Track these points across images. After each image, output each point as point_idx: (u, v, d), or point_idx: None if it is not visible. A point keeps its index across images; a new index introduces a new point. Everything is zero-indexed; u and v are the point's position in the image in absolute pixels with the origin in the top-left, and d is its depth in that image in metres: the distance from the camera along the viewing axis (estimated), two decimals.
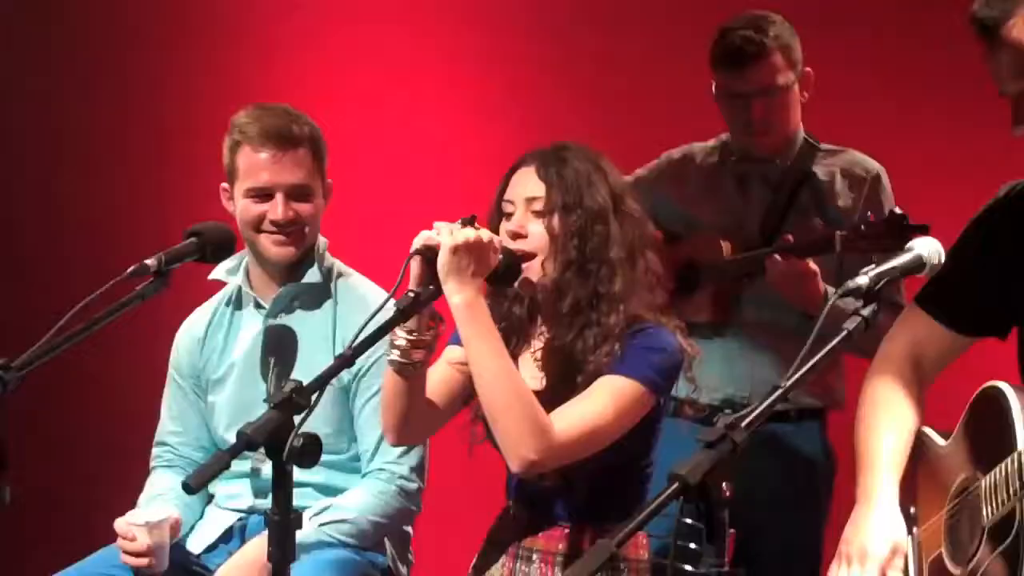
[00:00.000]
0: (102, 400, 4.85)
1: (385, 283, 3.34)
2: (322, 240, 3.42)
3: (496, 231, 2.90)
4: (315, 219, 3.34)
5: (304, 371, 3.26)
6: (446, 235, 2.71)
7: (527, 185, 2.90)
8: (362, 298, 3.37)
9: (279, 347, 3.33)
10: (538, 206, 2.88)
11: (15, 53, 5.00)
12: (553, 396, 2.84)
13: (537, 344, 2.96)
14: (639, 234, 2.92)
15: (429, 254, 2.71)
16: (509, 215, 2.92)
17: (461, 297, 2.71)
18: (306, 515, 3.23)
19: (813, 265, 3.47)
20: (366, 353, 2.63)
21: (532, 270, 2.88)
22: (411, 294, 2.67)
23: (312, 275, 3.36)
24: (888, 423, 2.77)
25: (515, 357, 2.93)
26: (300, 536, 3.11)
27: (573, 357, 2.86)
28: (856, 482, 2.75)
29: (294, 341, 3.32)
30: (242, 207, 3.32)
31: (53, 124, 5.01)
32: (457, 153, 4.80)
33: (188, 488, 2.35)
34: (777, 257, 3.47)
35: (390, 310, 2.64)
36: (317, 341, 3.33)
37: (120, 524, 3.17)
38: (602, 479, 2.84)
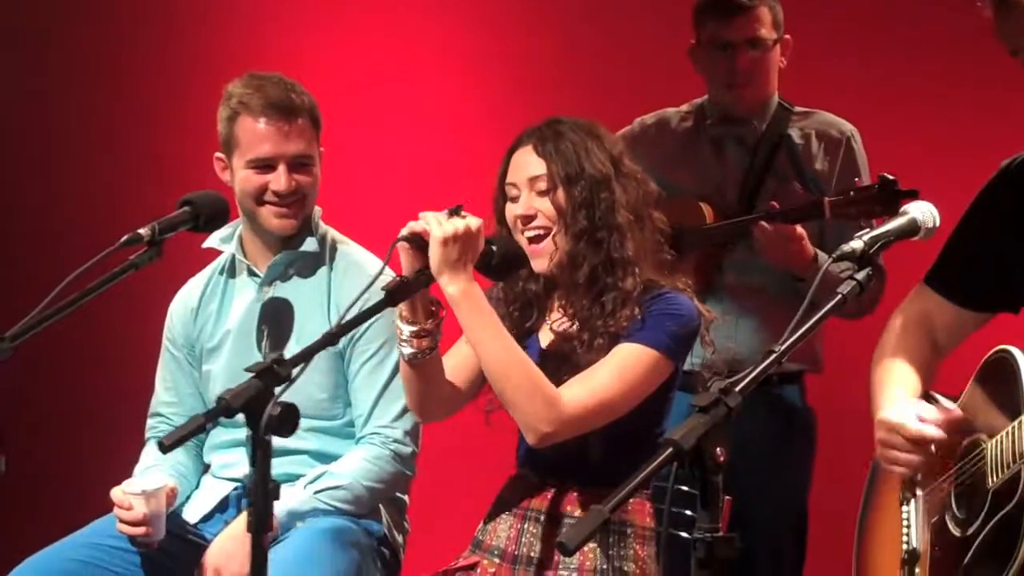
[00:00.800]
0: (97, 371, 4.84)
1: (379, 253, 3.35)
2: (316, 208, 3.41)
3: (502, 216, 2.93)
4: (314, 189, 3.33)
5: (298, 339, 3.27)
6: (435, 227, 2.71)
7: (528, 165, 2.91)
8: (356, 264, 3.37)
9: (274, 315, 3.32)
10: (542, 184, 2.90)
11: (3, 24, 4.96)
12: (575, 366, 2.86)
13: (556, 315, 2.97)
14: (643, 194, 2.93)
15: (416, 241, 2.72)
16: (515, 198, 2.93)
17: (456, 287, 2.73)
18: (301, 483, 3.24)
19: (800, 229, 3.48)
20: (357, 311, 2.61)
21: (545, 250, 2.89)
22: (400, 279, 2.68)
23: (309, 243, 3.35)
24: (900, 365, 2.79)
25: (535, 331, 2.96)
26: (295, 504, 3.15)
27: (593, 324, 2.87)
28: (873, 412, 2.75)
29: (289, 309, 3.31)
30: (243, 178, 3.30)
31: (43, 96, 4.99)
32: (452, 123, 4.80)
33: (163, 447, 2.36)
34: (764, 224, 3.48)
35: (380, 293, 2.65)
36: (311, 308, 3.32)
37: (116, 493, 3.16)
38: (613, 445, 2.85)
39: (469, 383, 2.96)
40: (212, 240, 3.39)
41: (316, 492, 3.21)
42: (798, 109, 3.75)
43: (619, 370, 2.80)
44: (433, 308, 2.80)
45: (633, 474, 2.12)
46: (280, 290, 3.36)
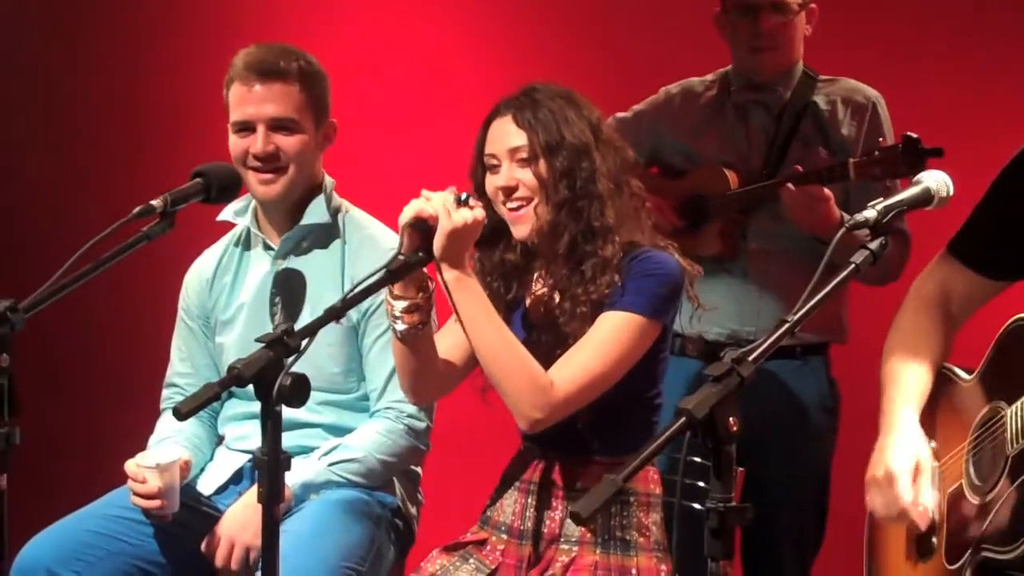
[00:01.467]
0: (112, 342, 4.87)
1: (391, 224, 3.34)
2: (329, 180, 3.40)
3: (480, 187, 2.93)
4: (302, 155, 3.29)
5: (313, 311, 3.25)
6: (445, 217, 2.70)
7: (508, 136, 2.89)
8: (371, 237, 3.37)
9: (288, 288, 3.31)
10: (523, 154, 2.88)
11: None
12: (558, 337, 2.86)
13: (538, 287, 2.97)
14: (621, 161, 2.92)
15: (420, 225, 2.71)
16: (494, 168, 2.91)
17: (454, 273, 2.75)
18: (315, 455, 3.24)
19: (827, 191, 3.45)
20: (377, 292, 2.62)
21: (527, 217, 2.88)
22: (401, 257, 2.68)
23: (320, 215, 3.34)
24: (912, 358, 2.81)
25: (517, 303, 2.95)
26: (309, 476, 3.16)
27: (574, 292, 2.86)
28: (879, 413, 2.80)
29: (303, 282, 3.29)
30: (230, 142, 3.31)
31: (56, 68, 5.01)
32: (459, 93, 4.78)
33: (178, 414, 2.36)
34: (790, 186, 3.46)
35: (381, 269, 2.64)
36: (326, 280, 3.32)
37: (130, 466, 3.18)
38: (609, 413, 2.85)
39: (462, 362, 2.95)
40: (226, 213, 3.40)
41: (330, 464, 3.22)
42: (823, 77, 3.73)
43: (605, 342, 2.79)
44: (424, 282, 2.79)
45: (646, 443, 2.12)
46: (294, 263, 3.36)
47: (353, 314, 3.27)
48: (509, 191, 2.89)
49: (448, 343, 2.93)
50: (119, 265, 2.63)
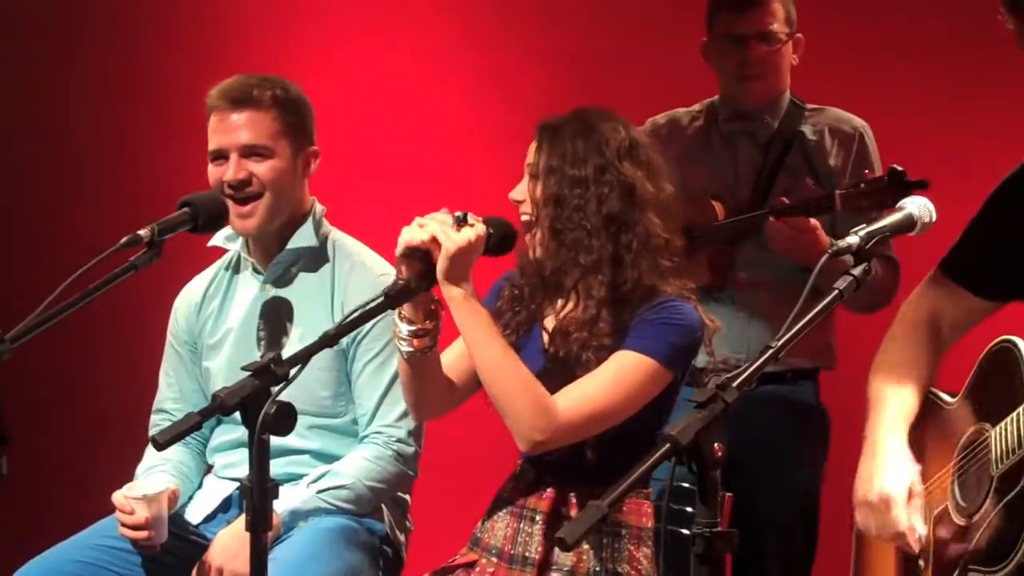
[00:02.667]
0: (100, 371, 4.88)
1: (383, 253, 3.37)
2: (319, 207, 3.43)
3: None
4: (277, 183, 3.30)
5: (301, 337, 3.29)
6: (446, 240, 2.72)
7: (531, 151, 2.97)
8: (360, 263, 3.39)
9: (274, 314, 3.34)
10: (532, 170, 2.95)
11: (7, 24, 5.00)
12: (559, 369, 2.89)
13: (550, 311, 3.00)
14: (630, 197, 2.91)
15: (416, 253, 2.73)
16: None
17: (458, 291, 2.77)
18: (303, 482, 3.25)
19: (814, 220, 3.48)
20: (358, 314, 2.63)
21: (531, 237, 2.95)
22: (400, 282, 2.70)
23: (308, 239, 3.36)
24: (900, 381, 2.83)
25: (533, 326, 2.99)
26: (297, 503, 3.17)
27: (567, 327, 2.90)
28: (864, 434, 2.82)
29: (289, 308, 3.33)
30: (208, 172, 3.33)
31: (46, 96, 5.03)
32: (451, 126, 4.83)
33: (156, 444, 2.39)
34: (774, 220, 3.49)
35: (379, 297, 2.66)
36: (315, 307, 3.34)
37: (118, 498, 3.19)
38: (613, 446, 2.85)
39: (466, 379, 2.98)
40: (217, 239, 3.42)
41: (319, 492, 3.23)
42: (810, 106, 3.77)
43: (615, 378, 2.82)
44: (433, 307, 2.82)
45: (631, 470, 2.13)
46: (283, 288, 3.38)
47: (346, 340, 3.27)
48: (518, 202, 2.97)
49: (449, 360, 2.96)
50: (107, 293, 2.64)
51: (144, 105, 4.94)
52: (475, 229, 2.76)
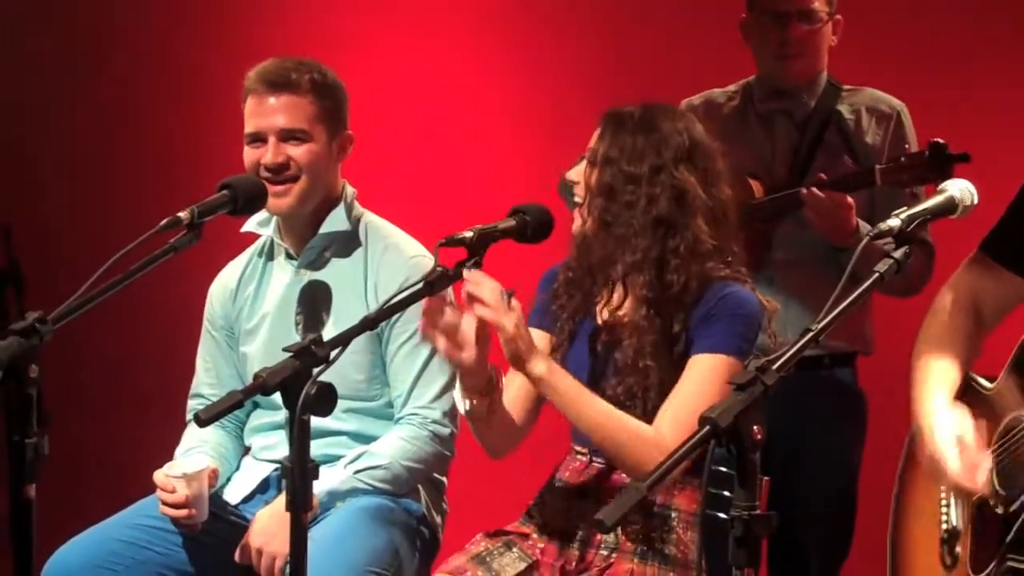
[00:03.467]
0: (140, 353, 4.92)
1: (418, 235, 3.39)
2: (350, 189, 3.44)
3: None
4: (314, 165, 3.32)
5: (337, 320, 3.30)
6: (507, 324, 2.74)
7: (593, 137, 3.01)
8: (395, 246, 3.40)
9: (312, 298, 3.36)
10: (591, 156, 3.00)
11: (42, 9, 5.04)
12: (613, 368, 2.94)
13: (601, 301, 3.05)
14: (680, 200, 2.93)
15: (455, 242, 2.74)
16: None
17: (538, 368, 2.81)
18: (340, 463, 3.28)
19: (849, 198, 3.48)
20: (397, 298, 2.65)
21: (579, 216, 3.00)
22: (440, 269, 2.71)
23: (340, 223, 3.38)
24: (942, 355, 2.81)
25: (584, 312, 3.03)
26: (335, 483, 3.19)
27: (618, 329, 2.96)
28: (911, 410, 2.79)
29: (327, 291, 3.35)
30: (244, 154, 3.36)
31: (87, 86, 5.06)
32: (482, 119, 4.86)
33: (199, 420, 2.41)
34: (815, 190, 3.48)
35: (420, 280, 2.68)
36: (349, 290, 3.35)
37: (159, 476, 3.23)
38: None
39: (530, 411, 3.05)
40: (250, 224, 3.44)
41: (356, 472, 3.26)
42: (847, 87, 3.76)
43: (700, 386, 2.85)
44: (492, 386, 2.86)
45: (672, 452, 2.14)
46: (317, 272, 3.40)
47: (383, 324, 3.27)
48: (573, 183, 3.03)
49: (515, 397, 3.01)
50: (148, 275, 2.66)
51: (185, 87, 4.97)
52: (516, 310, 2.77)
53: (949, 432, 2.69)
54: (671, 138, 2.95)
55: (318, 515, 3.19)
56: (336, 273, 3.39)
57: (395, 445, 3.30)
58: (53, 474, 2.58)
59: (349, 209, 3.41)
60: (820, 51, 3.72)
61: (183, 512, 3.20)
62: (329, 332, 3.23)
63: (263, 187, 3.04)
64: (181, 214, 2.72)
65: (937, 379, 2.78)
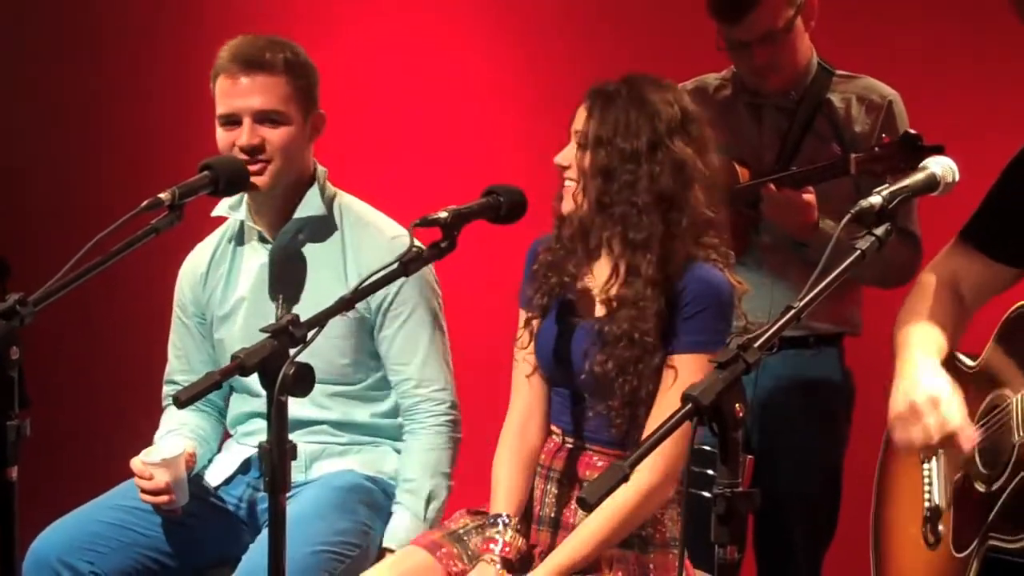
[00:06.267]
0: (118, 335, 4.93)
1: (401, 216, 3.40)
2: (321, 169, 3.44)
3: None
4: (288, 147, 3.30)
5: (316, 304, 3.28)
6: None
7: (579, 117, 2.98)
8: (373, 227, 3.41)
9: (288, 278, 3.36)
10: (579, 138, 2.96)
11: None
12: (603, 341, 2.93)
13: (585, 277, 3.04)
14: (680, 174, 2.91)
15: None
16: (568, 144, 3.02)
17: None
18: (402, 511, 3.31)
19: (808, 196, 3.51)
20: (372, 279, 2.66)
21: (569, 195, 2.97)
22: (416, 250, 2.71)
23: (315, 207, 3.36)
24: (926, 322, 2.82)
25: (563, 288, 3.04)
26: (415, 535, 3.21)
27: (614, 304, 2.94)
28: (895, 367, 2.79)
29: (302, 271, 3.34)
30: (218, 135, 3.32)
31: (63, 65, 5.07)
32: (463, 86, 4.86)
33: (177, 402, 2.43)
34: (772, 187, 3.52)
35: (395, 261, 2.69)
36: (327, 272, 3.35)
37: (136, 464, 3.26)
38: (642, 414, 2.92)
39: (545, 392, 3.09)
40: (220, 208, 3.44)
41: (424, 517, 3.29)
42: (840, 73, 3.76)
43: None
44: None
45: (653, 431, 2.17)
46: (293, 255, 3.39)
47: (361, 308, 3.31)
48: (563, 168, 2.99)
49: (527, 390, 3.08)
50: (130, 258, 2.68)
51: (166, 70, 4.97)
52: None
53: (943, 382, 2.69)
54: (663, 110, 2.92)
55: (291, 491, 3.17)
56: (313, 256, 3.38)
57: (426, 463, 3.34)
58: (33, 458, 2.60)
59: (323, 191, 3.40)
60: (794, 57, 3.69)
61: (163, 498, 3.23)
62: (306, 313, 3.24)
63: (244, 168, 3.05)
64: (162, 195, 2.74)
65: (923, 341, 2.78)
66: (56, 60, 5.10)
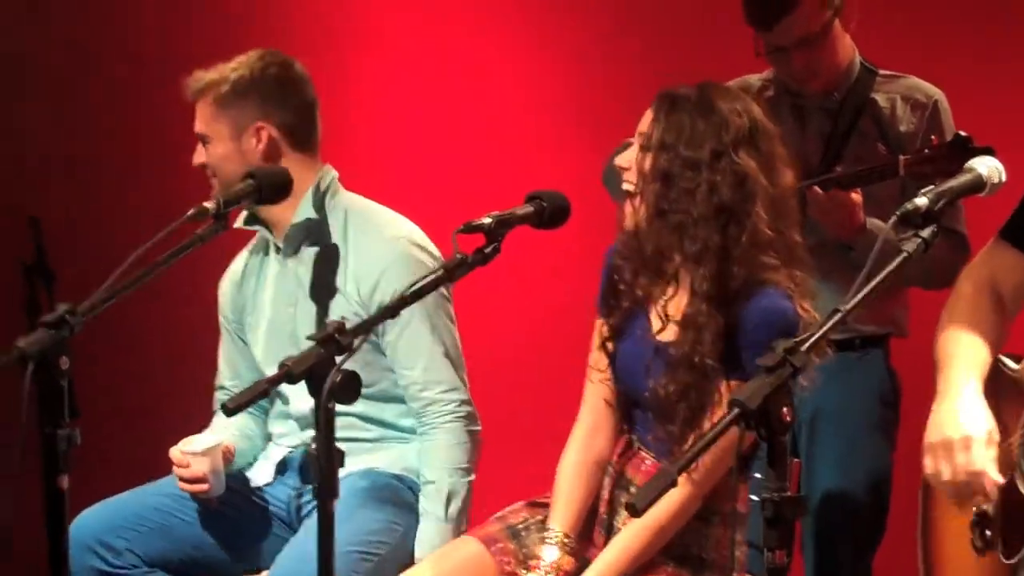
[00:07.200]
0: (168, 345, 4.97)
1: (434, 227, 3.45)
2: (328, 176, 3.50)
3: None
4: (223, 163, 3.42)
5: (320, 305, 3.40)
6: None
7: (644, 119, 2.96)
8: (372, 227, 3.46)
9: (298, 285, 3.47)
10: (642, 140, 2.94)
11: None
12: (668, 362, 2.91)
13: (658, 296, 3.00)
14: (740, 187, 2.86)
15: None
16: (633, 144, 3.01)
17: None
18: (435, 516, 3.34)
19: (856, 196, 3.49)
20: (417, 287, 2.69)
21: (630, 206, 2.95)
22: (459, 256, 2.72)
23: (306, 211, 3.44)
24: (968, 332, 2.78)
25: (637, 308, 3.01)
26: (438, 539, 3.28)
27: (691, 331, 2.88)
28: (937, 388, 2.76)
29: (306, 278, 3.45)
30: None
31: (117, 69, 5.11)
32: (502, 99, 4.89)
33: (226, 410, 2.51)
34: (817, 189, 3.50)
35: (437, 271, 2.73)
36: (328, 274, 3.43)
37: (174, 453, 3.36)
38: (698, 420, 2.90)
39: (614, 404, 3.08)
40: (240, 221, 3.52)
41: (447, 518, 3.33)
42: (883, 72, 3.75)
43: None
44: None
45: (701, 435, 2.19)
46: (300, 261, 3.48)
47: (360, 310, 3.35)
48: (624, 170, 2.97)
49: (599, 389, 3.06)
50: (176, 266, 2.70)
51: None
52: None
53: (981, 422, 2.67)
54: (731, 120, 2.87)
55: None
56: (318, 260, 3.46)
57: (446, 460, 3.37)
58: (83, 464, 2.62)
59: (321, 196, 3.46)
60: (835, 57, 3.69)
61: (201, 487, 3.33)
62: (311, 318, 3.38)
63: (288, 176, 3.09)
64: (207, 204, 2.78)
65: (967, 358, 2.75)
66: (107, 66, 5.13)
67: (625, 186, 2.97)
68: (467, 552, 3.02)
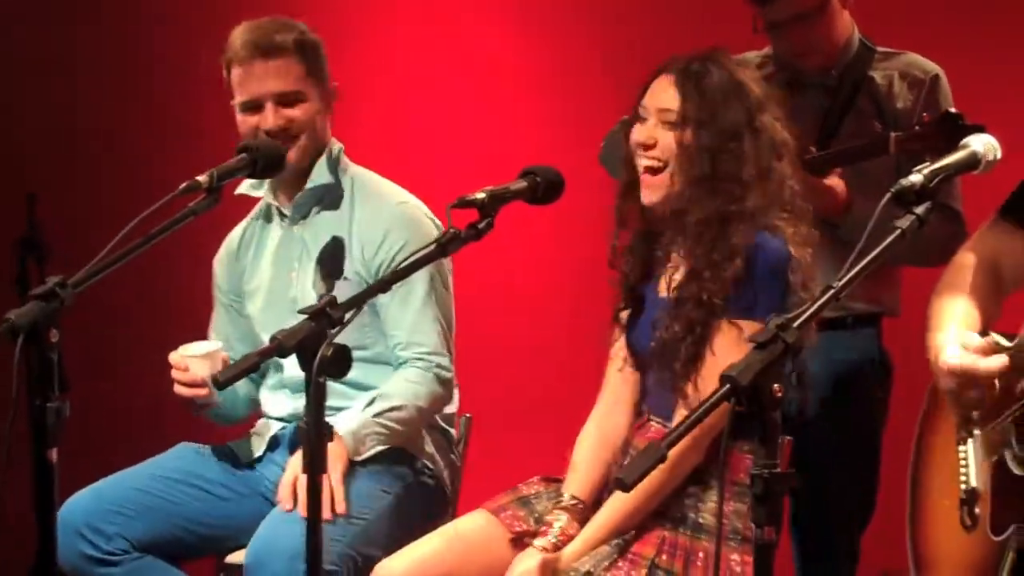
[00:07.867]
0: (159, 318, 4.96)
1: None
2: (336, 145, 3.54)
3: (628, 133, 3.03)
4: (310, 123, 3.46)
5: (330, 275, 3.42)
6: None
7: (663, 95, 2.98)
8: (375, 194, 3.51)
9: (303, 250, 3.48)
10: (670, 117, 2.97)
11: None
12: (694, 327, 2.92)
13: (676, 258, 3.03)
14: (773, 148, 2.96)
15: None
16: (642, 120, 3.01)
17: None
18: (356, 408, 3.37)
19: (831, 181, 3.51)
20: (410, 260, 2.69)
21: (660, 183, 2.96)
22: (452, 230, 2.72)
23: (323, 175, 3.47)
24: (963, 298, 2.80)
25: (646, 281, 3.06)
26: (355, 425, 3.28)
27: (701, 275, 2.93)
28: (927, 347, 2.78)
29: (313, 243, 3.47)
30: (239, 121, 3.48)
31: (111, 45, 5.09)
32: (495, 74, 4.89)
33: (216, 383, 2.54)
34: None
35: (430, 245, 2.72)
36: (339, 236, 3.46)
37: (174, 356, 3.34)
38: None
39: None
40: (243, 187, 3.55)
41: (375, 415, 3.33)
42: (881, 50, 3.75)
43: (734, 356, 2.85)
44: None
45: (691, 410, 2.18)
46: (306, 227, 3.51)
47: (362, 271, 3.40)
48: (646, 147, 2.98)
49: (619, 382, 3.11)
50: (169, 239, 2.69)
51: (211, 51, 4.97)
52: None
53: (955, 344, 2.69)
54: (751, 87, 2.97)
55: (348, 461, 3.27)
56: (323, 226, 3.50)
57: (405, 387, 3.39)
58: (72, 436, 2.61)
59: (334, 162, 3.51)
60: (831, 35, 3.67)
61: (201, 391, 3.31)
62: (311, 283, 3.40)
63: (283, 150, 3.10)
64: (200, 178, 2.77)
65: (954, 317, 2.77)
66: (102, 43, 5.11)
67: (646, 163, 2.99)
68: (474, 521, 3.07)
